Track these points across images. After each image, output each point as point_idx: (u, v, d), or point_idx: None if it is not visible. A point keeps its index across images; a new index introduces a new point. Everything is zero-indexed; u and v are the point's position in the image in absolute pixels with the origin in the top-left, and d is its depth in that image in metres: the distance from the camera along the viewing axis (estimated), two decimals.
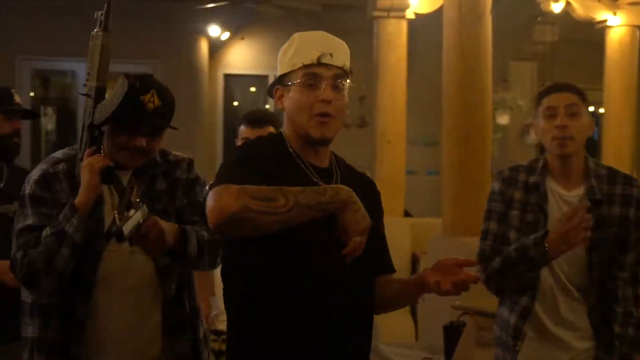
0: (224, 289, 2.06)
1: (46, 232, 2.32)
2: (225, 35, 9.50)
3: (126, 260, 2.42)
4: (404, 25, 6.18)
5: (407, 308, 5.64)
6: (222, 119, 9.87)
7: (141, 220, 2.21)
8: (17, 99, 3.27)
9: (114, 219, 2.40)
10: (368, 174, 2.46)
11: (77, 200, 2.32)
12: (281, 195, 1.80)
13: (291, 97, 2.00)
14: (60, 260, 2.31)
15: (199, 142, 9.28)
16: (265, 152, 2.02)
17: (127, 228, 2.20)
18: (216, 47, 9.63)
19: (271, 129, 3.38)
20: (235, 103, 10.04)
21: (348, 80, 2.02)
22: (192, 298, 2.56)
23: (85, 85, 2.43)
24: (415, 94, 8.39)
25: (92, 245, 2.35)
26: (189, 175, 2.55)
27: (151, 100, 2.39)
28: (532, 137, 7.45)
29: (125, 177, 2.46)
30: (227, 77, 9.82)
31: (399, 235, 5.81)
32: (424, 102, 7.88)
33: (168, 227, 2.28)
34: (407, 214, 6.84)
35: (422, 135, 9.04)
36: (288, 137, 2.05)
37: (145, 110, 2.35)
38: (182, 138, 9.72)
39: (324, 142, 2.00)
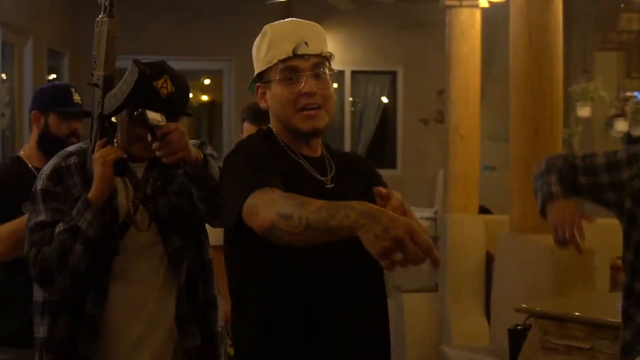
0: (234, 300, 1.99)
1: (59, 228, 2.25)
2: None
3: (141, 253, 2.35)
4: (477, 15, 5.95)
5: (482, 309, 5.55)
6: None
7: (162, 122, 2.15)
8: (77, 97, 3.16)
9: (129, 211, 2.33)
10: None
11: (90, 194, 2.25)
12: (297, 215, 1.62)
13: (273, 94, 1.96)
14: (74, 257, 2.24)
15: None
16: (262, 148, 1.96)
17: (152, 115, 2.15)
18: None
19: None
20: None
21: (329, 65, 1.95)
22: (209, 288, 2.46)
23: (92, 74, 2.32)
24: (494, 87, 8.15)
25: (106, 239, 2.28)
26: (203, 151, 2.43)
27: (164, 85, 2.32)
28: (617, 130, 7.13)
29: (139, 169, 2.39)
30: None
31: (473, 234, 5.64)
32: (504, 95, 7.64)
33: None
34: (485, 210, 6.62)
35: (503, 130, 8.83)
36: (278, 133, 2.00)
37: (158, 96, 2.28)
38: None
39: (316, 133, 1.96)
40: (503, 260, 4.20)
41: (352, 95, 9.57)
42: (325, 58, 1.97)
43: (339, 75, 9.47)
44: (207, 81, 11.16)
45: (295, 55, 1.92)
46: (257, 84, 2.02)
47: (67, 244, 2.24)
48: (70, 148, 2.46)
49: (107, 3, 2.31)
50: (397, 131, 9.56)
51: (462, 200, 5.92)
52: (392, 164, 9.49)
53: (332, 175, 1.99)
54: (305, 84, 1.91)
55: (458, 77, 6.01)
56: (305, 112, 1.93)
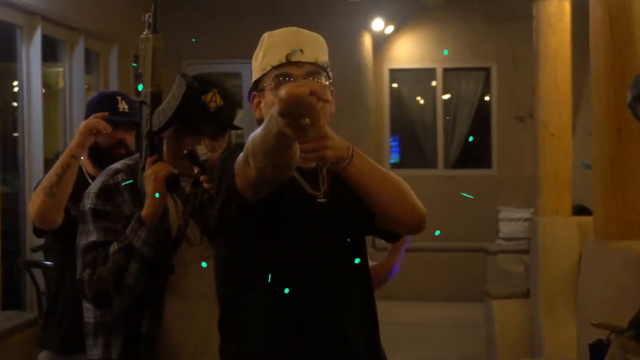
0: (217, 287, 2.00)
1: (113, 247, 2.23)
2: (390, 29, 9.33)
3: (194, 267, 2.32)
4: (566, 6, 5.66)
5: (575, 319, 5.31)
6: (389, 116, 9.73)
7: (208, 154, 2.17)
8: (123, 106, 3.14)
9: (180, 226, 2.32)
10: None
11: (143, 212, 2.24)
12: (253, 151, 1.67)
13: (266, 102, 1.91)
14: (130, 276, 2.22)
15: (366, 141, 9.21)
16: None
17: (200, 151, 2.17)
18: (380, 42, 9.50)
19: None
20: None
21: (326, 75, 1.89)
22: None
23: (139, 92, 2.35)
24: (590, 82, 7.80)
25: (160, 255, 2.27)
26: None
27: (213, 99, 2.32)
28: None
29: (186, 184, 2.37)
30: (393, 72, 9.65)
31: (565, 237, 5.40)
32: None
33: None
34: (585, 210, 6.35)
35: None
36: None
37: (207, 109, 2.27)
38: (348, 135, 9.86)
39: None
40: (588, 268, 3.93)
41: (444, 94, 9.43)
42: (322, 67, 1.93)
43: (429, 73, 9.41)
44: None
45: (288, 62, 1.89)
46: (253, 93, 1.97)
47: (122, 263, 2.23)
48: (117, 165, 2.45)
49: (150, 20, 2.32)
50: (492, 129, 9.37)
51: (553, 201, 5.66)
52: (487, 164, 9.31)
53: (325, 188, 1.94)
54: None
55: (547, 72, 5.75)
56: None
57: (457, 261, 8.75)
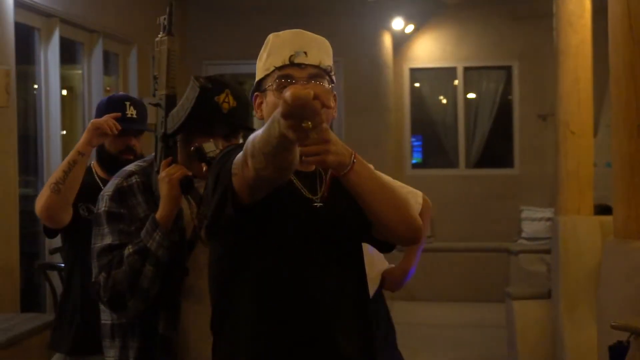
0: (210, 286, 2.00)
1: (128, 250, 2.24)
2: (410, 28, 9.33)
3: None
4: (587, 3, 5.59)
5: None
6: (409, 115, 9.69)
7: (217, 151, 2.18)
8: (131, 112, 3.13)
9: (194, 228, 2.31)
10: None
11: (158, 214, 2.24)
12: (253, 151, 1.67)
13: (267, 103, 1.90)
14: (145, 279, 2.22)
15: (386, 140, 9.23)
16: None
17: (208, 148, 2.21)
18: (400, 41, 9.49)
19: None
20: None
21: (329, 79, 1.89)
22: None
23: (154, 94, 2.36)
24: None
25: (175, 258, 2.27)
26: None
27: (226, 100, 2.32)
28: None
29: (200, 186, 2.34)
30: (413, 71, 9.64)
31: (587, 237, 5.31)
32: None
33: None
34: (608, 210, 6.29)
35: None
36: None
37: (220, 111, 2.28)
38: (369, 135, 9.73)
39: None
40: (608, 269, 3.87)
41: (465, 92, 9.39)
42: (325, 71, 1.92)
43: (450, 72, 9.40)
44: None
45: (291, 64, 1.89)
46: (256, 93, 1.97)
47: (137, 266, 2.23)
48: (131, 167, 2.46)
49: (165, 22, 2.33)
50: (514, 128, 9.32)
51: (575, 200, 5.59)
52: (509, 163, 9.27)
53: (322, 192, 1.94)
54: None
55: (567, 70, 5.68)
56: None
57: (479, 261, 8.70)
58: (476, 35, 9.31)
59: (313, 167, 1.95)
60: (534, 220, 8.67)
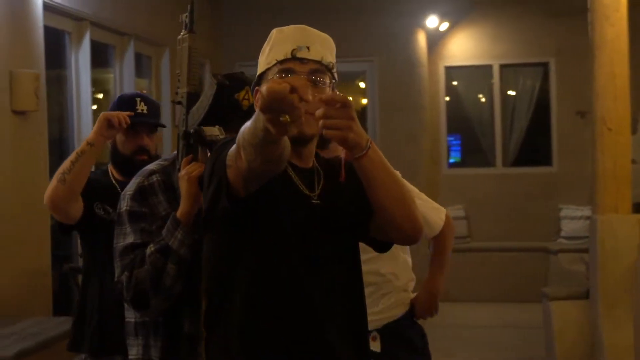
0: (205, 281, 2.03)
1: (150, 249, 2.27)
2: (444, 26, 9.35)
3: None
4: None
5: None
6: (445, 113, 9.72)
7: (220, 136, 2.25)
8: (142, 107, 3.13)
9: None
10: None
11: (178, 213, 2.27)
12: (243, 144, 1.72)
13: None
14: (167, 277, 2.26)
15: (422, 138, 9.27)
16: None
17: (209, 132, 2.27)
18: (435, 39, 9.55)
19: None
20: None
21: (331, 75, 1.92)
22: None
23: (177, 92, 2.38)
24: None
25: (198, 255, 2.26)
26: None
27: (246, 97, 2.36)
28: None
29: None
30: (448, 69, 9.67)
31: (625, 236, 5.24)
32: None
33: None
34: None
35: None
36: None
37: (240, 108, 2.32)
38: (403, 134, 9.69)
39: (303, 139, 1.92)
40: None
41: (502, 90, 9.37)
42: (326, 67, 1.95)
43: (486, 70, 9.40)
44: (362, 84, 11.31)
45: (293, 58, 1.92)
46: (256, 87, 1.99)
47: (159, 264, 2.26)
48: (152, 166, 2.49)
49: (187, 20, 2.36)
50: (552, 126, 9.24)
51: (612, 198, 5.50)
52: (547, 161, 9.21)
53: (320, 189, 1.98)
54: None
55: (603, 65, 5.61)
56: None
57: (517, 261, 8.68)
58: (511, 32, 9.33)
59: (311, 164, 1.99)
60: (573, 219, 8.60)
